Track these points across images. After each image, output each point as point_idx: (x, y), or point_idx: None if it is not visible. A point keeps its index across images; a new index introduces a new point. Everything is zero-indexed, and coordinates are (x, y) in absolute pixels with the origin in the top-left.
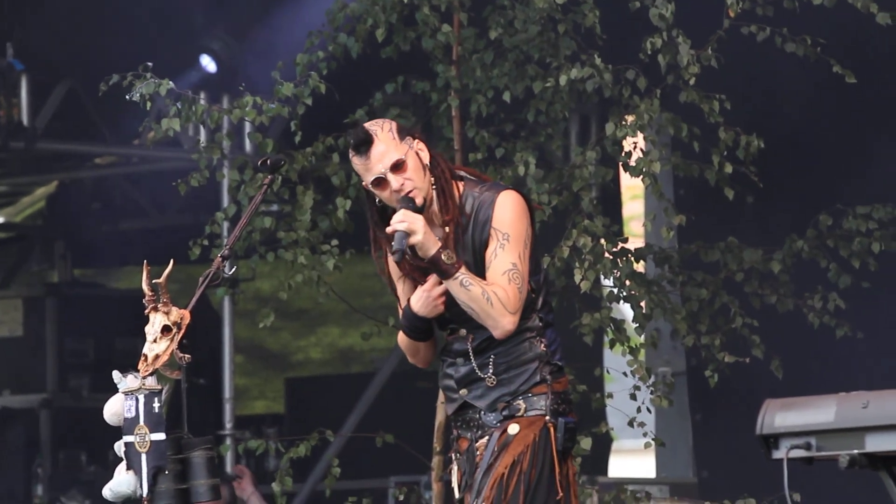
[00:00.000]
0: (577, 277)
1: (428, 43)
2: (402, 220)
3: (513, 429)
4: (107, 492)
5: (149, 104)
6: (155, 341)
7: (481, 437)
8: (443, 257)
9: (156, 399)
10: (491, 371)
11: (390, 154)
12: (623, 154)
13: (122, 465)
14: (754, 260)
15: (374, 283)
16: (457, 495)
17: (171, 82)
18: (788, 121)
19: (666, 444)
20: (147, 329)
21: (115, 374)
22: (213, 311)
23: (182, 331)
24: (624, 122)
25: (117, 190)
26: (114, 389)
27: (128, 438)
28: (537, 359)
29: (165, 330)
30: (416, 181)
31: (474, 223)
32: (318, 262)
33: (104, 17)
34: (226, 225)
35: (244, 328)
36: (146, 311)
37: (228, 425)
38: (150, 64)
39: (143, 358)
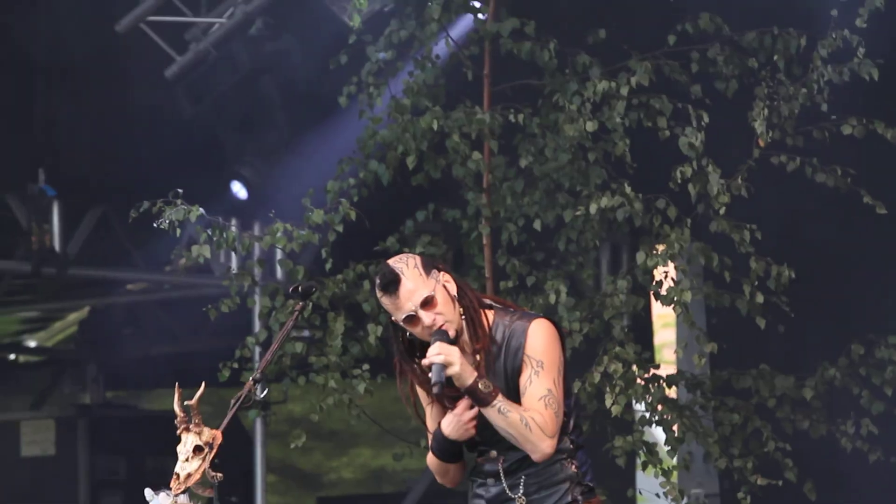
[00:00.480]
0: (609, 402)
1: (458, 171)
2: (439, 353)
3: None
4: None
5: (178, 231)
6: (187, 460)
7: None
8: (480, 386)
9: None
10: (521, 492)
11: (419, 291)
12: (654, 283)
13: None
14: (786, 386)
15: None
16: None
17: (200, 209)
18: (820, 250)
19: None
20: (179, 449)
21: (147, 492)
22: (246, 432)
23: (214, 450)
24: (655, 252)
25: (149, 315)
26: None
27: None
28: (569, 479)
29: (197, 450)
30: (446, 314)
31: (506, 351)
32: (349, 385)
33: (136, 142)
34: (257, 350)
35: (276, 448)
36: (178, 431)
37: None
38: (180, 190)
39: (175, 476)
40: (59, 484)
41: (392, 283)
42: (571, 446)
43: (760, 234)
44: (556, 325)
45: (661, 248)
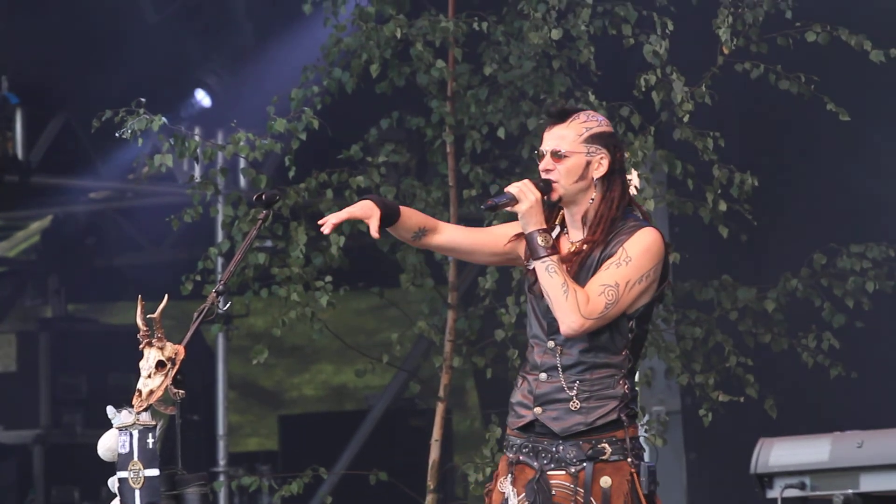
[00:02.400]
0: None
1: (423, 79)
2: (519, 189)
3: (605, 482)
4: None
5: (140, 140)
6: (149, 377)
7: (555, 469)
8: (539, 239)
9: (150, 435)
10: (575, 393)
11: (562, 142)
12: None
13: (116, 501)
14: (748, 298)
15: (368, 321)
16: None
17: (163, 118)
18: (783, 159)
19: (660, 483)
20: (141, 364)
21: (109, 410)
22: (207, 347)
23: (177, 366)
24: None
25: (111, 225)
26: (108, 425)
27: (122, 474)
28: (619, 398)
29: (160, 365)
30: (562, 177)
31: (605, 244)
32: (311, 298)
33: (100, 51)
34: (220, 261)
35: (238, 365)
36: (140, 346)
37: (222, 462)
38: (142, 100)
39: (137, 393)
40: (20, 402)
41: (557, 115)
42: (628, 365)
43: (724, 142)
44: (667, 244)
45: (625, 155)
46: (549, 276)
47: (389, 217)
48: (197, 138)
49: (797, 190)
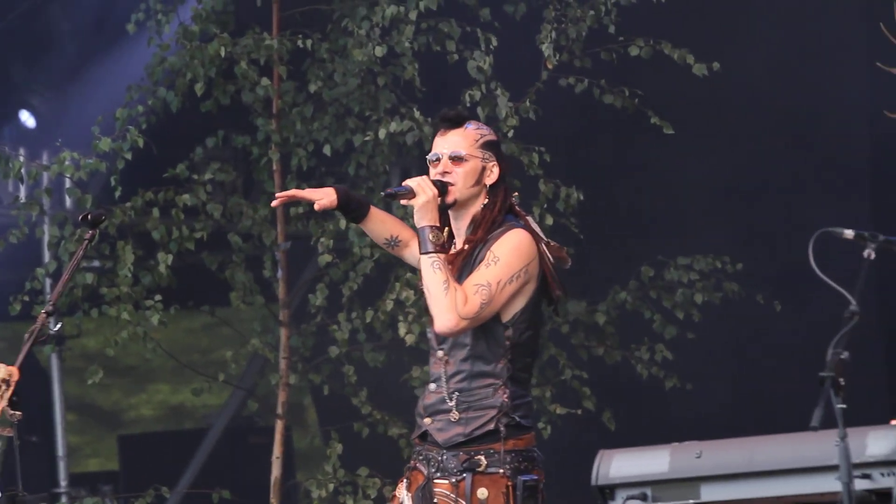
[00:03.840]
0: (402, 331)
1: (248, 97)
2: (417, 183)
3: (482, 493)
4: None
5: None
6: None
7: (440, 478)
8: (430, 235)
9: None
10: (454, 404)
11: (459, 146)
12: None
13: None
14: (579, 312)
15: (202, 339)
16: None
17: None
18: (608, 173)
19: None
20: None
21: None
22: (42, 368)
23: (11, 388)
24: None
25: None
26: None
27: None
28: (498, 407)
29: None
30: (461, 180)
31: (484, 243)
32: (142, 317)
33: None
34: (48, 281)
35: (74, 385)
36: None
37: (63, 483)
38: None
39: None
40: None
41: (451, 120)
42: (507, 374)
43: (549, 157)
44: (537, 241)
45: None
46: (433, 272)
47: (355, 211)
48: (21, 159)
49: (623, 203)
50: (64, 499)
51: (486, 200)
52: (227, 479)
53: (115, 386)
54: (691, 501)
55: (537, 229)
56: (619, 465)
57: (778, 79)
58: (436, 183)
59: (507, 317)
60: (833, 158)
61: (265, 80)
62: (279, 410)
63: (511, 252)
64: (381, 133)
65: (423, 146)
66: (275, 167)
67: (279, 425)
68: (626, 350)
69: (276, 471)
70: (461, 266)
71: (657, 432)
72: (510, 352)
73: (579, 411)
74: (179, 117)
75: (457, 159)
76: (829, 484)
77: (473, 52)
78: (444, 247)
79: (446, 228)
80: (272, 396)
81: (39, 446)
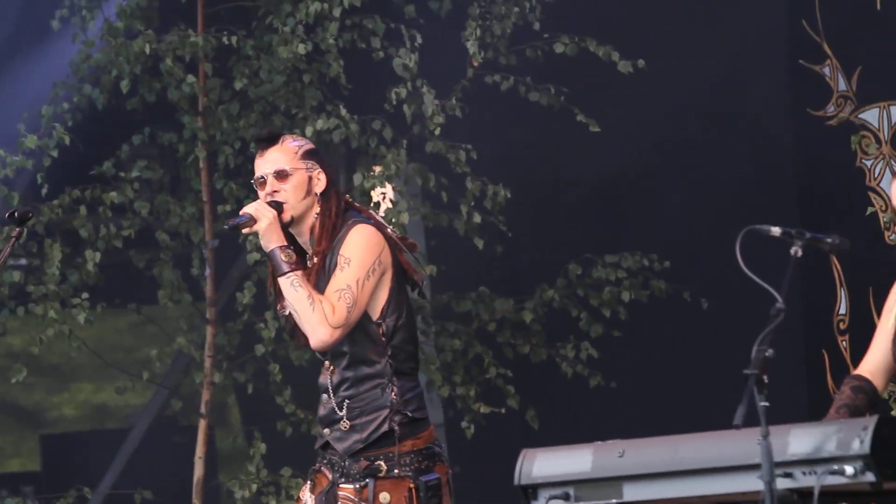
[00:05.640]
0: None
1: (174, 94)
2: (255, 208)
3: (384, 497)
4: None
5: None
6: None
7: (345, 483)
8: (281, 255)
9: None
10: (345, 413)
11: (280, 162)
12: (372, 205)
13: None
14: (506, 310)
15: (127, 338)
16: None
17: None
18: (535, 170)
19: None
20: None
21: None
22: None
23: None
24: (372, 173)
25: None
26: None
27: None
28: (387, 407)
29: None
30: (290, 197)
31: (332, 251)
32: (68, 316)
33: None
34: None
35: None
36: None
37: None
38: None
39: None
40: None
41: (266, 141)
42: (391, 370)
43: (476, 154)
44: (383, 232)
45: (377, 169)
46: (295, 291)
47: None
48: None
49: (550, 201)
50: None
51: (320, 209)
52: (149, 479)
53: (39, 384)
54: (614, 501)
55: (379, 218)
56: (542, 465)
57: (701, 76)
58: (271, 204)
59: (376, 313)
60: (758, 156)
61: (191, 78)
62: (203, 409)
63: (359, 249)
64: (308, 130)
65: (350, 143)
66: (201, 165)
67: (202, 425)
68: (552, 348)
69: (198, 471)
70: (316, 280)
71: (581, 431)
72: (389, 347)
73: (503, 410)
74: (105, 115)
75: (282, 175)
76: (753, 483)
77: (399, 49)
78: (298, 263)
79: (292, 247)
80: (196, 396)
81: None
